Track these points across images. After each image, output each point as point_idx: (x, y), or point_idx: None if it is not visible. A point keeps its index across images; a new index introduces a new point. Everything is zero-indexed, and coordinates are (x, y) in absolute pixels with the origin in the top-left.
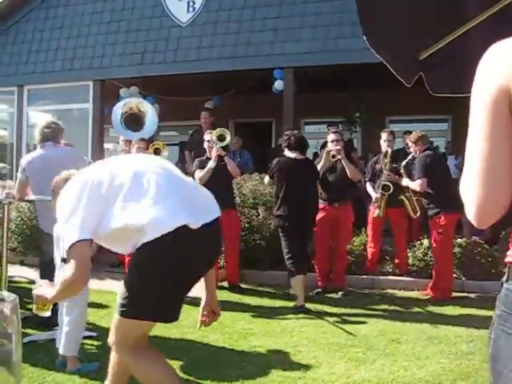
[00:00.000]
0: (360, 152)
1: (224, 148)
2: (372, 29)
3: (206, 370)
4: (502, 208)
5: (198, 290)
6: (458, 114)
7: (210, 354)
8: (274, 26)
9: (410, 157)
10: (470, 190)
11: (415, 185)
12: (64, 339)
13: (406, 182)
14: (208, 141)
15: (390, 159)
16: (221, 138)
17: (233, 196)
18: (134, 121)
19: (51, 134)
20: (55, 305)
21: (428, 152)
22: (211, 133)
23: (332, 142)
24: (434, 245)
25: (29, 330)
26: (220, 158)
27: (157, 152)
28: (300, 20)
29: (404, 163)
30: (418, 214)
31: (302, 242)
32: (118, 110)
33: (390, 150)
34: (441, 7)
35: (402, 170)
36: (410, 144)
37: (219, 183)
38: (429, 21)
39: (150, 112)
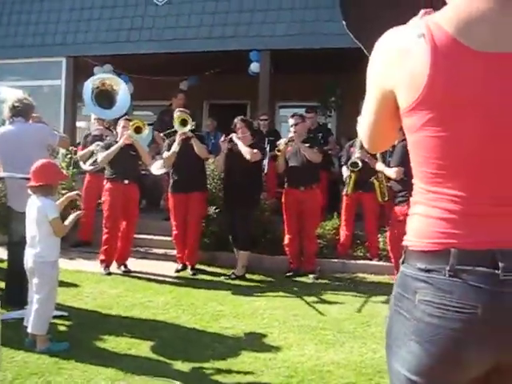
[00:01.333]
0: (335, 137)
1: (193, 130)
2: (351, 14)
3: (177, 351)
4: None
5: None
6: None
7: (182, 335)
8: (251, 8)
9: None
10: (363, 131)
11: (391, 172)
12: (34, 317)
13: (381, 166)
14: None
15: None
16: (183, 122)
17: (203, 178)
18: (105, 98)
19: (22, 110)
20: (25, 282)
21: (406, 141)
22: (180, 110)
23: (291, 126)
24: (391, 232)
25: None
26: (187, 139)
27: (137, 130)
28: (278, 2)
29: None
30: (386, 199)
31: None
32: (90, 84)
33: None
34: None
35: (378, 155)
36: None
37: (188, 165)
38: (407, 5)
39: (122, 90)
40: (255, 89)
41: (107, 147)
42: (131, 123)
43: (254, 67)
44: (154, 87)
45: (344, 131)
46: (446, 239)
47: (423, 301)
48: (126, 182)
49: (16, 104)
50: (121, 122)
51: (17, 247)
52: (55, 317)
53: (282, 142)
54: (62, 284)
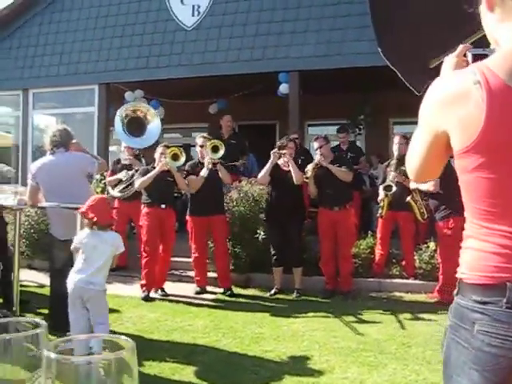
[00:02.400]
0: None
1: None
2: (386, 40)
3: (220, 375)
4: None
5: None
6: None
7: (223, 359)
8: (278, 30)
9: None
10: (410, 164)
11: (428, 186)
12: None
13: (414, 184)
14: (201, 146)
15: (396, 161)
16: (215, 149)
17: (223, 201)
18: (136, 125)
19: (62, 141)
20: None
21: None
22: (204, 137)
23: (316, 150)
24: (442, 248)
25: None
26: (214, 165)
27: (175, 158)
28: (305, 23)
29: None
30: (426, 217)
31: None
32: (122, 111)
33: (397, 153)
34: (453, 16)
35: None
36: None
37: (210, 188)
38: (441, 30)
39: (155, 122)
40: (284, 109)
41: (145, 173)
42: (168, 150)
43: (283, 88)
44: (184, 110)
45: (373, 149)
46: (500, 273)
47: (481, 331)
48: (163, 206)
49: (56, 135)
50: (159, 149)
51: (59, 274)
52: None
53: (309, 169)
54: None
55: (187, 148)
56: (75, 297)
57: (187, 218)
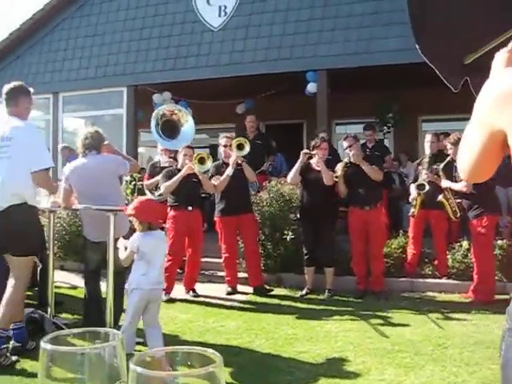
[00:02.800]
0: (392, 153)
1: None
2: (424, 37)
3: (255, 377)
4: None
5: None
6: None
7: (258, 360)
8: (306, 29)
9: (448, 158)
10: (462, 163)
11: (461, 186)
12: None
13: (446, 183)
14: (224, 145)
15: (428, 160)
16: (240, 146)
17: (249, 199)
18: (170, 128)
19: (93, 144)
20: (103, 309)
21: None
22: (227, 137)
23: (346, 149)
24: (476, 246)
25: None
26: (239, 164)
27: (201, 161)
28: (332, 22)
29: (442, 165)
30: (459, 216)
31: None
32: (158, 111)
33: (429, 151)
34: (490, 11)
35: (440, 172)
36: (450, 146)
37: (237, 188)
38: (477, 25)
39: (189, 124)
40: (311, 108)
41: (169, 176)
42: (195, 155)
43: (311, 87)
44: (211, 111)
45: (402, 147)
46: None
47: None
48: (190, 208)
49: (88, 137)
50: (182, 150)
51: (93, 276)
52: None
53: (339, 168)
54: None
55: (215, 148)
56: (144, 301)
57: (216, 218)
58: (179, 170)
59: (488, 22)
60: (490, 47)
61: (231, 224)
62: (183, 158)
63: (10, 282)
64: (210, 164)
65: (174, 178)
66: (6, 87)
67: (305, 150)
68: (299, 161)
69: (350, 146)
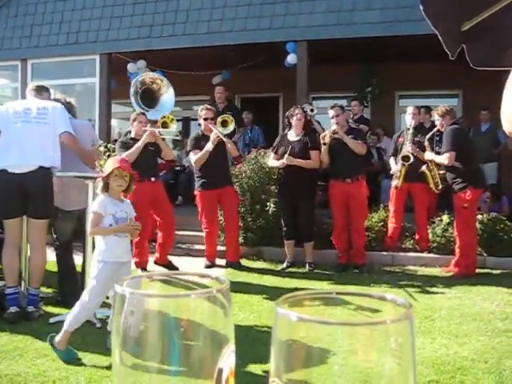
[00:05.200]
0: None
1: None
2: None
3: (243, 350)
4: None
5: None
6: (468, 89)
7: (244, 333)
8: None
9: (434, 130)
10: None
11: (443, 158)
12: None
13: (430, 155)
14: (205, 119)
15: (412, 131)
16: (224, 123)
17: (229, 172)
18: (149, 98)
19: (69, 110)
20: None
21: (456, 126)
22: (207, 108)
23: (332, 118)
24: (459, 220)
25: (55, 310)
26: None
27: (164, 125)
28: None
29: (428, 136)
30: (440, 187)
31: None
32: (137, 80)
33: (413, 123)
34: None
35: (426, 143)
36: (437, 118)
37: (217, 161)
38: None
39: (169, 94)
40: (287, 81)
41: (126, 147)
42: (160, 118)
43: (291, 59)
44: (185, 82)
45: (379, 122)
46: None
47: None
48: (153, 179)
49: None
50: (136, 117)
51: (66, 248)
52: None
53: (327, 135)
54: None
55: (187, 121)
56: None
57: (195, 192)
58: (134, 140)
59: None
60: (484, 16)
61: (212, 198)
62: (138, 125)
63: (34, 248)
64: (175, 126)
65: (135, 147)
66: (33, 85)
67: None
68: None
69: (336, 116)
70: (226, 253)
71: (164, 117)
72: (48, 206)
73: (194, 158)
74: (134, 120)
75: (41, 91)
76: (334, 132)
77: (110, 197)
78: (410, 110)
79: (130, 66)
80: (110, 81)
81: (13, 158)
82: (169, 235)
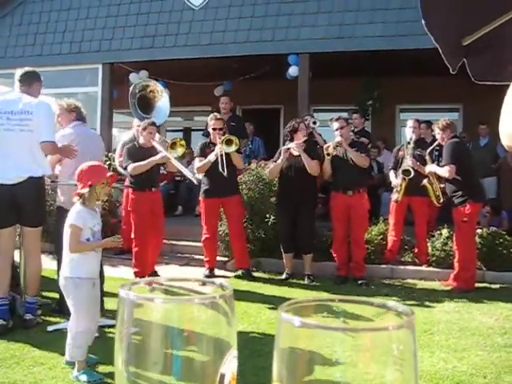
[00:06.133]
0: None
1: (233, 134)
2: (430, 14)
3: (241, 361)
4: None
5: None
6: (468, 103)
7: (242, 344)
8: (289, 11)
9: (435, 144)
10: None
11: (444, 171)
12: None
13: (431, 168)
14: (214, 129)
15: (413, 145)
16: (228, 142)
17: (236, 181)
18: (145, 104)
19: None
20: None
21: (456, 139)
22: (217, 118)
23: (336, 130)
24: (458, 233)
25: (52, 318)
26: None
27: (172, 146)
28: (316, 5)
29: (429, 150)
30: (442, 201)
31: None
32: (132, 88)
33: (414, 137)
34: None
35: (427, 157)
36: (438, 131)
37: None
38: (475, 7)
39: (164, 99)
40: (289, 93)
41: (132, 154)
42: (171, 140)
43: (293, 71)
44: (186, 93)
45: (380, 135)
46: None
47: None
48: (153, 189)
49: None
50: (146, 127)
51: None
52: (109, 326)
53: (331, 146)
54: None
55: (188, 132)
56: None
57: (200, 199)
58: (141, 147)
59: (485, 6)
60: (485, 30)
61: (214, 206)
62: (147, 135)
63: (29, 255)
64: (180, 151)
65: (146, 162)
66: (22, 70)
67: (285, 147)
68: (281, 158)
69: (341, 128)
70: (234, 262)
71: (175, 139)
72: (41, 213)
73: (197, 164)
74: (144, 129)
75: (31, 82)
76: (338, 144)
77: (87, 207)
78: (410, 123)
79: (132, 76)
80: (112, 90)
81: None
82: (157, 246)
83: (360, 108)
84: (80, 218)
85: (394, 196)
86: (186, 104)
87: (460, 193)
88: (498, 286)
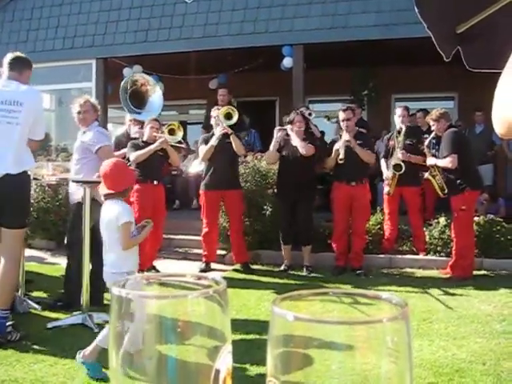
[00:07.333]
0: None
1: (232, 127)
2: (424, 2)
3: (241, 354)
4: None
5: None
6: (464, 91)
7: (242, 337)
8: (282, 2)
9: (432, 135)
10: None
11: (446, 162)
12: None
13: (432, 160)
14: (214, 117)
15: (403, 136)
16: (228, 116)
17: (237, 175)
18: (138, 98)
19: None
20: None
21: (453, 129)
22: (219, 109)
23: (343, 121)
24: (456, 222)
25: (52, 314)
26: (226, 135)
27: (171, 132)
28: None
29: (427, 143)
30: (446, 192)
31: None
32: (123, 83)
33: (404, 127)
34: None
35: (426, 150)
36: (432, 123)
37: (224, 161)
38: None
39: (157, 93)
40: (284, 85)
41: (136, 148)
42: (167, 125)
43: (287, 62)
44: (181, 86)
45: (375, 126)
46: None
47: None
48: (156, 182)
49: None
50: (149, 123)
51: (78, 245)
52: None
53: (341, 146)
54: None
55: (183, 126)
56: None
57: (200, 191)
58: (145, 143)
59: None
60: (479, 18)
61: (215, 199)
62: (150, 130)
63: (7, 260)
64: (181, 134)
65: (146, 149)
66: (14, 55)
67: (278, 127)
68: (274, 139)
69: (347, 120)
70: (232, 255)
71: (171, 124)
72: (20, 214)
73: (202, 150)
74: (147, 124)
75: (22, 69)
76: (347, 141)
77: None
78: (398, 111)
79: (126, 71)
80: (106, 85)
81: None
82: (156, 241)
83: (356, 98)
84: (130, 214)
85: (386, 189)
86: (181, 98)
87: (458, 181)
88: (495, 273)
